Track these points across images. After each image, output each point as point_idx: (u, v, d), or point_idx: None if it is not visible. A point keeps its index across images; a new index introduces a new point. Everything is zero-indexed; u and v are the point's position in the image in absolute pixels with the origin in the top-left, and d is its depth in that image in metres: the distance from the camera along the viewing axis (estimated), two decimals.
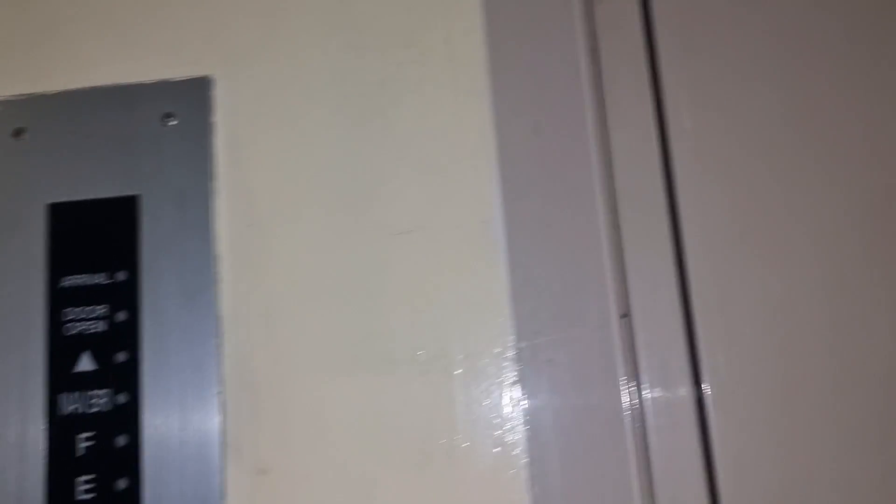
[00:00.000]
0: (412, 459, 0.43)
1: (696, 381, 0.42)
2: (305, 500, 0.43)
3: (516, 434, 0.43)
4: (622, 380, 0.42)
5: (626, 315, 0.42)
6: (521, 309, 0.43)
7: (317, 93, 0.47)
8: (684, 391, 0.41)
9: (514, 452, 0.43)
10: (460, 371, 0.44)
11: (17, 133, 0.47)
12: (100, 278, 0.46)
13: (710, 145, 0.45)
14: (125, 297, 0.45)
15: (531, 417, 0.42)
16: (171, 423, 0.44)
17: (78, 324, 0.45)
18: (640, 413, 0.41)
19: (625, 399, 0.41)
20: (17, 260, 0.46)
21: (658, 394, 0.42)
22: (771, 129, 0.45)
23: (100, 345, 0.45)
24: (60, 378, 0.45)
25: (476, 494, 0.42)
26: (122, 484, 0.43)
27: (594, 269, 0.42)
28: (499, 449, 0.43)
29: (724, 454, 0.41)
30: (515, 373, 0.43)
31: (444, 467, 0.43)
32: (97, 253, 0.46)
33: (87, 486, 0.44)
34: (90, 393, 0.45)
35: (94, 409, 0.44)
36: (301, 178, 0.46)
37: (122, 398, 0.44)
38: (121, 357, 0.45)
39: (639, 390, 0.42)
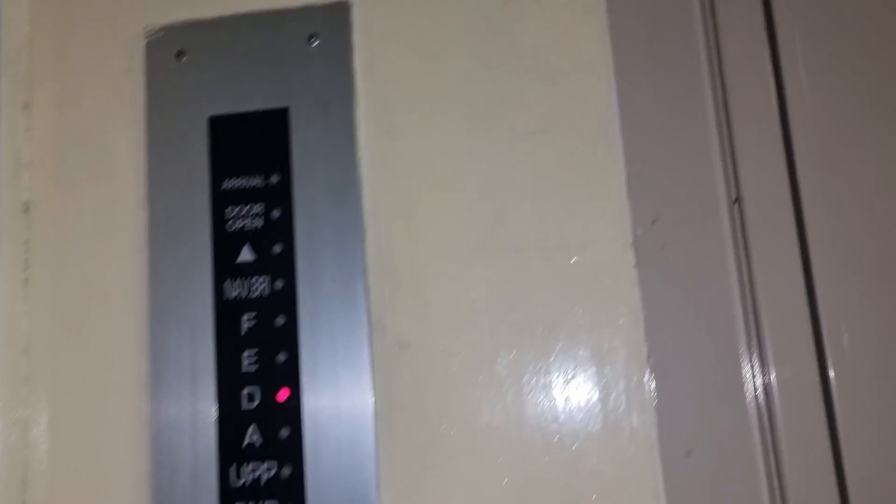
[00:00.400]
0: (539, 335, 0.48)
1: (806, 261, 0.45)
2: (442, 370, 0.48)
3: (634, 313, 0.47)
4: (733, 262, 0.45)
5: (737, 200, 0.45)
6: (637, 199, 0.47)
7: (445, 13, 0.52)
8: (794, 267, 0.45)
9: (631, 332, 0.47)
10: (580, 257, 0.48)
11: (179, 55, 0.54)
12: (256, 181, 0.52)
13: (821, 47, 0.48)
14: (279, 196, 0.51)
15: (647, 299, 0.47)
16: (321, 305, 0.50)
17: (238, 221, 0.51)
18: (750, 290, 0.45)
19: (736, 278, 0.45)
20: (184, 167, 0.52)
21: (769, 275, 0.45)
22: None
23: (258, 238, 0.51)
24: (224, 267, 0.51)
25: (597, 371, 0.47)
26: (281, 357, 0.49)
27: (705, 160, 0.46)
28: (619, 327, 0.47)
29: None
30: (632, 258, 0.47)
31: (568, 343, 0.47)
32: (253, 159, 0.52)
33: (251, 360, 0.50)
34: (251, 280, 0.51)
35: (255, 294, 0.51)
36: (432, 89, 0.51)
37: (279, 284, 0.50)
38: (277, 249, 0.51)
39: (749, 270, 0.45)
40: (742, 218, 0.45)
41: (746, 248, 0.45)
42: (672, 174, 0.47)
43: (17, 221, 0.54)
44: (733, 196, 0.46)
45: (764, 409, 0.44)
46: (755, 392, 0.45)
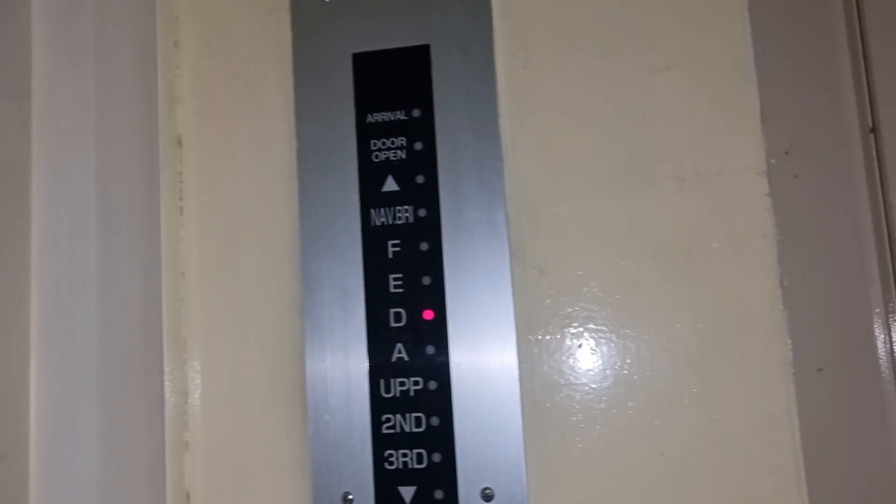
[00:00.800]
0: (674, 260, 0.50)
1: None
2: (580, 294, 0.51)
3: (768, 240, 0.50)
4: (866, 191, 0.47)
5: (873, 129, 0.47)
6: (771, 129, 0.49)
7: None
8: None
9: (764, 257, 0.50)
10: (714, 186, 0.50)
11: None
12: (398, 115, 0.55)
13: None
14: (421, 130, 0.54)
15: (780, 226, 0.49)
16: (463, 232, 0.53)
17: (382, 152, 0.55)
18: (885, 218, 0.47)
19: (869, 207, 0.47)
20: (330, 102, 0.55)
21: None
22: None
23: (401, 169, 0.54)
24: (371, 196, 0.54)
25: (731, 293, 0.50)
26: (426, 280, 0.53)
27: (839, 89, 0.48)
28: (752, 253, 0.50)
29: None
30: (765, 186, 0.50)
31: (701, 267, 0.50)
32: (395, 94, 0.55)
33: (398, 283, 0.53)
34: (395, 208, 0.54)
35: (400, 222, 0.54)
36: (569, 25, 0.53)
37: (422, 212, 0.54)
38: (419, 179, 0.54)
39: (884, 198, 0.47)
40: (878, 147, 0.47)
41: (882, 177, 0.47)
42: (806, 105, 0.49)
43: (173, 153, 0.58)
44: (869, 125, 0.48)
45: (890, 330, 0.46)
46: (884, 314, 0.47)
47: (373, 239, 0.54)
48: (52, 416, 0.43)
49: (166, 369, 0.54)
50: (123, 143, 0.53)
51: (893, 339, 0.47)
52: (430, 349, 0.52)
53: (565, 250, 0.52)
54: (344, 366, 0.53)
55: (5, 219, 0.42)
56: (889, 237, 0.47)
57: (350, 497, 0.52)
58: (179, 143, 0.58)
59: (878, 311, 0.47)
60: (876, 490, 0.46)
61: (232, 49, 0.58)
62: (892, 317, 0.47)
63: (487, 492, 0.50)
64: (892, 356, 0.47)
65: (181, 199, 0.58)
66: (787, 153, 0.49)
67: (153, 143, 0.56)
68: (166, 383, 0.55)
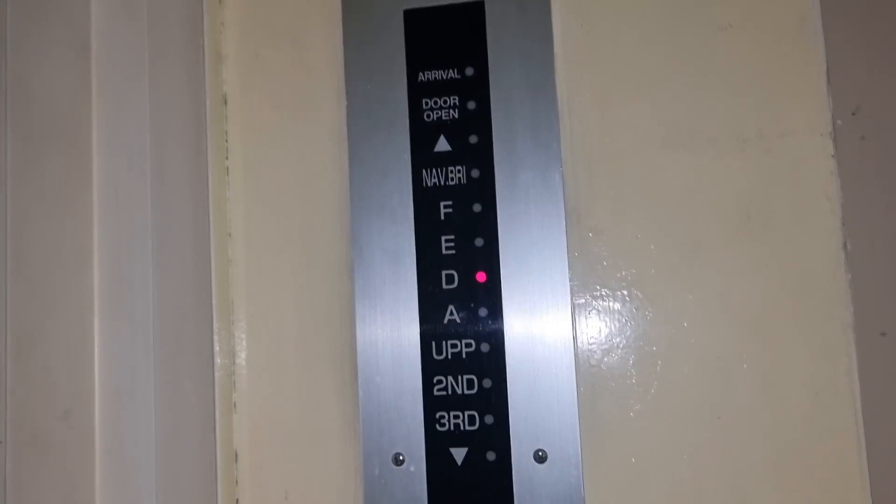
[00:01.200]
0: (734, 223, 0.50)
1: None
2: (637, 256, 0.51)
3: (832, 203, 0.49)
4: None
5: None
6: (837, 90, 0.48)
7: None
8: None
9: (828, 220, 0.49)
10: (777, 147, 0.49)
11: None
12: (451, 74, 0.54)
13: None
14: (474, 89, 0.53)
15: (845, 189, 0.48)
16: (518, 193, 0.52)
17: (434, 112, 0.54)
18: None
19: None
20: (380, 59, 0.54)
21: None
22: None
23: (454, 129, 0.53)
24: (422, 156, 0.54)
25: (793, 257, 0.49)
26: (479, 242, 0.52)
27: None
28: (815, 216, 0.49)
29: None
30: (831, 148, 0.49)
31: (762, 229, 0.49)
32: (448, 52, 0.54)
33: (450, 244, 0.53)
34: (448, 169, 0.53)
35: (452, 183, 0.53)
36: None
37: (475, 173, 0.53)
38: (473, 139, 0.53)
39: None
40: None
41: None
42: (874, 64, 0.48)
43: (219, 111, 0.57)
44: None
45: None
46: None
47: (424, 200, 0.54)
48: (114, 375, 0.42)
49: (215, 330, 0.54)
50: (172, 100, 0.52)
51: None
52: (483, 311, 0.52)
53: (622, 212, 0.51)
54: (395, 328, 0.53)
55: (69, 172, 0.41)
56: None
57: (401, 458, 0.52)
58: (225, 102, 0.57)
59: None
60: None
61: (278, 5, 0.57)
62: None
63: (540, 454, 0.50)
64: None
65: (227, 158, 0.57)
66: (853, 114, 0.48)
67: (199, 101, 0.55)
68: (215, 344, 0.54)
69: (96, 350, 0.40)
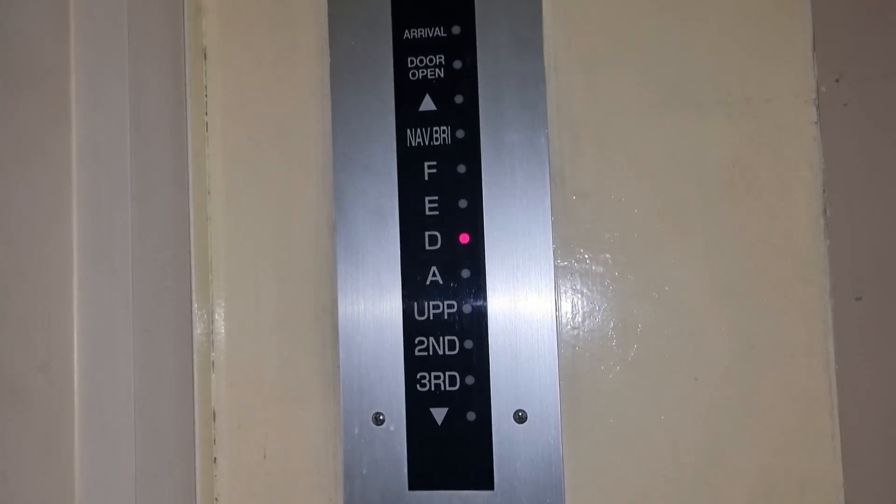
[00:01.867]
0: (717, 187, 0.50)
1: None
2: (620, 219, 0.51)
3: (814, 169, 0.49)
4: None
5: None
6: (822, 57, 0.48)
7: None
8: None
9: (809, 186, 0.49)
10: (762, 113, 0.50)
11: None
12: (437, 32, 0.53)
13: None
14: (461, 48, 0.52)
15: (827, 155, 0.48)
16: (503, 154, 0.52)
17: (420, 70, 0.53)
18: None
19: None
20: (367, 15, 0.53)
21: None
22: None
23: (439, 88, 0.53)
24: (407, 116, 0.53)
25: (774, 222, 0.49)
26: (463, 203, 0.52)
27: (893, 17, 0.47)
28: (797, 183, 0.49)
29: None
30: (814, 114, 0.49)
31: (744, 194, 0.50)
32: (435, 10, 0.53)
33: (433, 205, 0.52)
34: (432, 129, 0.53)
35: (437, 143, 0.53)
36: None
37: (460, 133, 0.52)
38: (458, 99, 0.52)
39: None
40: None
41: None
42: (859, 31, 0.48)
43: (198, 66, 0.55)
44: None
45: None
46: None
47: (409, 160, 0.53)
48: (93, 328, 0.41)
49: (193, 288, 0.54)
50: (152, 52, 0.51)
51: None
52: (466, 273, 0.52)
53: (607, 175, 0.51)
54: (377, 288, 0.52)
55: (47, 120, 0.40)
56: None
57: (381, 417, 0.52)
58: (205, 56, 0.56)
59: None
60: None
61: None
62: None
63: (520, 414, 0.51)
64: None
65: (206, 113, 0.56)
66: (837, 81, 0.48)
67: (179, 54, 0.54)
68: (193, 302, 0.54)
69: (75, 302, 0.39)
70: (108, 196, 0.43)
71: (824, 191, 0.49)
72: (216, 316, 0.55)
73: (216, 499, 0.54)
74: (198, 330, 0.53)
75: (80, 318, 0.39)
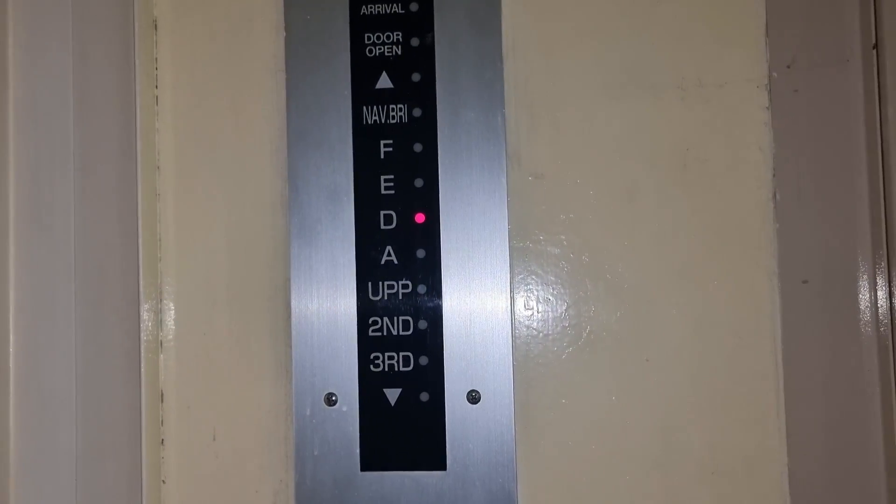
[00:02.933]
0: (670, 170, 0.50)
1: None
2: (575, 201, 0.51)
3: (764, 154, 0.50)
4: (863, 107, 0.48)
5: (875, 46, 0.47)
6: (775, 42, 0.49)
7: None
8: None
9: (759, 170, 0.50)
10: (715, 97, 0.50)
11: None
12: (395, 8, 0.52)
13: None
14: (418, 25, 0.52)
15: (777, 140, 0.49)
16: (459, 134, 0.51)
17: (377, 47, 0.52)
18: (880, 135, 0.48)
19: (864, 123, 0.48)
20: None
21: None
22: None
23: (396, 66, 0.52)
24: (363, 93, 0.52)
25: (724, 205, 0.50)
26: (418, 182, 0.51)
27: (844, 4, 0.48)
28: (748, 166, 0.50)
29: None
30: (766, 99, 0.50)
31: (697, 177, 0.50)
32: None
33: (389, 184, 0.52)
34: (389, 107, 0.52)
35: (393, 121, 0.52)
36: None
37: (417, 112, 0.52)
38: (415, 77, 0.52)
39: (881, 115, 0.48)
40: (879, 64, 0.48)
41: (881, 95, 0.47)
42: (810, 18, 0.49)
43: (148, 37, 0.54)
44: (872, 41, 0.48)
45: (881, 246, 0.48)
46: (870, 230, 0.48)
47: (364, 138, 0.52)
48: (31, 302, 0.40)
49: (140, 265, 0.52)
50: (98, 22, 0.49)
51: (876, 255, 0.48)
52: (421, 253, 0.51)
53: (562, 157, 0.51)
54: (330, 267, 0.52)
55: None
56: (883, 155, 0.48)
57: (334, 398, 0.51)
58: (155, 27, 0.54)
59: (864, 227, 0.48)
60: (850, 397, 0.48)
61: None
62: (877, 233, 0.49)
63: (473, 394, 0.50)
64: (873, 271, 0.49)
65: (157, 87, 0.54)
66: (788, 67, 0.49)
67: (128, 24, 0.52)
68: (140, 280, 0.52)
69: (11, 273, 0.38)
70: (47, 166, 0.41)
71: (774, 175, 0.50)
72: (165, 294, 0.53)
73: (163, 481, 0.52)
74: (145, 308, 0.52)
75: (16, 292, 0.38)
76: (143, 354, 0.52)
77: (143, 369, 0.52)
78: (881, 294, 0.48)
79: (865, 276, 0.48)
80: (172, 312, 0.54)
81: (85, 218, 0.46)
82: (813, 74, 0.49)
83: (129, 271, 0.51)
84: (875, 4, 0.48)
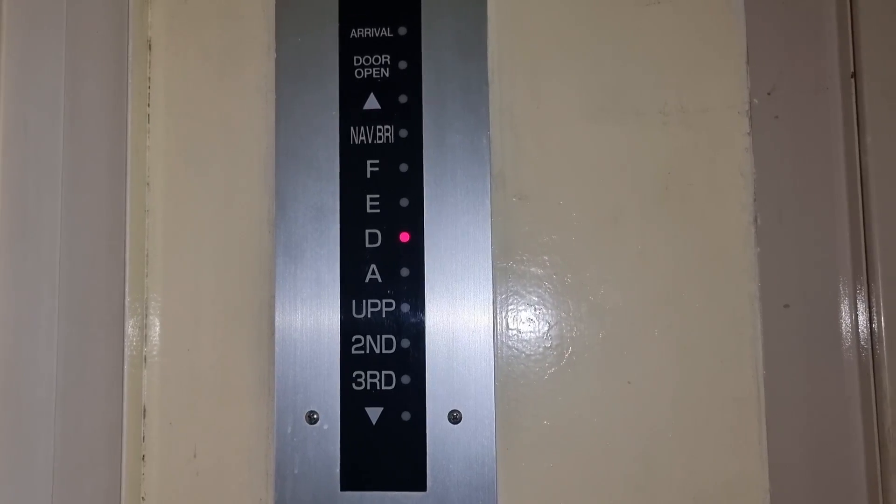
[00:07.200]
0: (652, 195, 0.51)
1: None
2: (559, 222, 0.51)
3: (745, 178, 0.50)
4: (842, 135, 0.49)
5: (854, 75, 0.48)
6: (755, 70, 0.50)
7: None
8: None
9: (741, 195, 0.50)
10: (697, 122, 0.51)
11: None
12: (384, 32, 0.53)
13: None
14: (406, 49, 0.53)
15: (758, 165, 0.50)
16: (445, 155, 0.52)
17: (365, 69, 0.53)
18: (860, 161, 0.48)
19: (843, 151, 0.49)
20: (314, 13, 0.53)
21: (881, 148, 0.48)
22: None
23: (384, 88, 0.53)
24: (351, 114, 0.53)
25: (706, 229, 0.51)
26: (404, 202, 0.52)
27: (823, 33, 0.49)
28: (729, 191, 0.50)
29: None
30: (747, 125, 0.50)
31: (679, 204, 0.51)
32: (381, 10, 0.53)
33: (374, 203, 0.52)
34: (376, 127, 0.53)
35: (380, 141, 0.53)
36: None
37: (403, 132, 0.52)
38: (402, 99, 0.53)
39: (860, 142, 0.48)
40: (857, 92, 0.48)
41: (860, 122, 0.48)
42: (790, 47, 0.50)
43: (142, 56, 0.55)
44: (850, 70, 0.49)
45: (861, 270, 0.48)
46: (850, 255, 0.49)
47: (351, 157, 0.53)
48: (12, 314, 0.40)
49: (127, 279, 0.52)
50: (92, 40, 0.50)
51: (857, 280, 0.49)
52: (405, 271, 0.52)
53: (547, 179, 0.52)
54: (315, 285, 0.52)
55: None
56: (862, 181, 0.48)
57: (315, 416, 0.51)
58: (149, 47, 0.55)
59: (844, 251, 0.49)
60: (832, 421, 0.48)
61: None
62: (858, 258, 0.49)
63: (455, 415, 0.50)
64: (854, 294, 0.49)
65: (149, 105, 0.55)
66: (769, 94, 0.50)
67: (122, 44, 0.53)
68: (126, 295, 0.52)
69: None
70: (35, 179, 0.42)
71: (755, 200, 0.50)
72: (150, 310, 0.54)
73: (143, 498, 0.52)
74: (130, 323, 0.52)
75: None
76: (126, 369, 0.52)
77: (125, 384, 0.52)
78: (862, 318, 0.48)
79: (847, 300, 0.48)
80: (158, 328, 0.54)
81: (72, 232, 0.46)
82: (793, 101, 0.49)
83: (115, 286, 0.52)
84: (853, 34, 0.49)
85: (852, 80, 0.48)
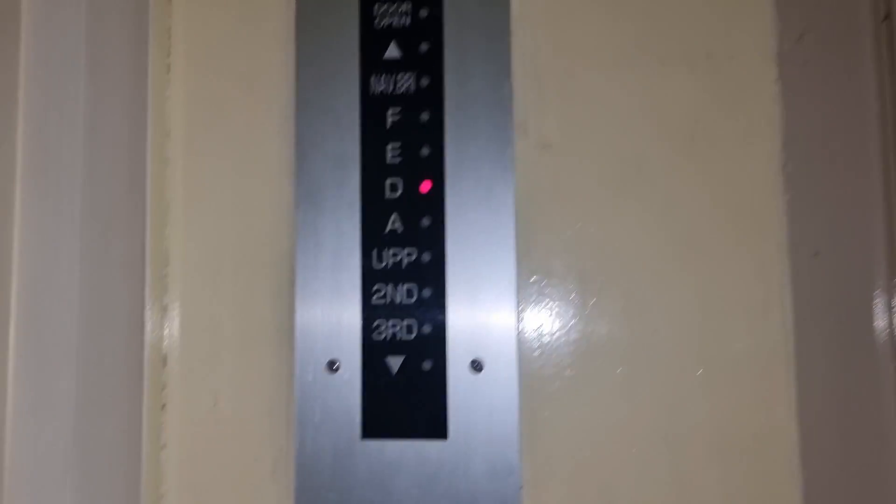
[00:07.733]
0: (679, 143, 0.50)
1: None
2: (583, 170, 0.51)
3: (772, 125, 0.50)
4: (875, 79, 0.48)
5: (886, 17, 0.47)
6: (784, 14, 0.49)
7: None
8: None
9: (769, 142, 0.50)
10: (725, 69, 0.50)
11: None
12: None
13: None
14: None
15: (786, 113, 0.49)
16: (467, 103, 0.51)
17: (385, 18, 0.52)
18: (892, 108, 0.47)
19: (876, 96, 0.48)
20: None
21: None
22: None
23: (405, 36, 0.52)
24: (371, 62, 0.52)
25: (733, 177, 0.50)
26: (425, 151, 0.51)
27: None
28: (757, 139, 0.49)
29: None
30: (775, 72, 0.49)
31: (705, 152, 0.50)
32: None
33: (395, 153, 0.52)
34: (397, 76, 0.52)
35: (401, 90, 0.52)
36: None
37: (424, 81, 0.52)
38: (424, 47, 0.52)
39: (893, 89, 0.47)
40: (889, 36, 0.47)
41: (893, 67, 0.47)
42: None
43: (162, 7, 0.54)
44: (882, 13, 0.47)
45: (893, 217, 0.47)
46: (884, 201, 0.47)
47: (372, 107, 0.52)
48: (34, 257, 0.40)
49: (147, 228, 0.52)
50: None
51: (889, 228, 0.48)
52: (426, 221, 0.51)
53: (570, 128, 0.51)
54: (335, 234, 0.52)
55: None
56: (894, 125, 0.47)
57: (336, 365, 0.51)
58: None
59: (877, 198, 0.48)
60: (863, 370, 0.47)
61: None
62: (890, 206, 0.48)
63: (476, 364, 0.50)
64: (892, 241, 0.48)
65: (169, 55, 0.55)
66: (798, 40, 0.49)
67: None
68: (146, 243, 0.52)
69: (15, 237, 0.38)
70: (56, 130, 0.42)
71: (783, 147, 0.49)
72: (171, 259, 0.54)
73: (164, 446, 0.52)
74: (150, 272, 0.52)
75: (20, 247, 0.38)
76: (147, 316, 0.52)
77: (146, 331, 0.52)
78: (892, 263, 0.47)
79: (878, 248, 0.47)
80: (179, 276, 0.54)
81: (93, 181, 0.46)
82: (822, 47, 0.48)
83: (134, 233, 0.52)
84: None
85: (885, 23, 0.47)
